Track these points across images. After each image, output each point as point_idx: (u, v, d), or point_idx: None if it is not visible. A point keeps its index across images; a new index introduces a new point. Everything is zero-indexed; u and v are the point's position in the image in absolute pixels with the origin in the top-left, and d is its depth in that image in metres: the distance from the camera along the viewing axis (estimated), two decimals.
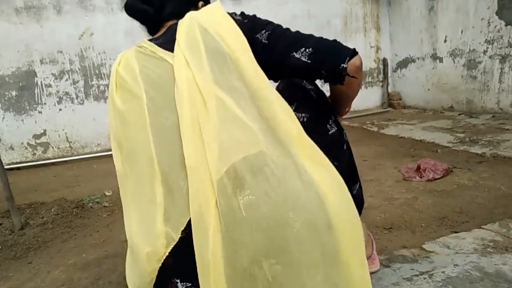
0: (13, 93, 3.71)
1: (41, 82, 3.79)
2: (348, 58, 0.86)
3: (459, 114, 4.08)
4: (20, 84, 3.72)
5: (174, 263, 0.77)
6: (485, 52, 3.81)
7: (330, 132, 0.99)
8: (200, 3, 1.07)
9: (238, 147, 0.76)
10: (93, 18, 3.87)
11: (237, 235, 0.73)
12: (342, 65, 0.85)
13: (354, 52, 0.87)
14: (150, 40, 0.98)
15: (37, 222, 2.12)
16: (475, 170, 2.32)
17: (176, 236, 0.75)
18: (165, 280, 0.77)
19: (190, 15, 0.92)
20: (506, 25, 3.57)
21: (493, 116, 3.72)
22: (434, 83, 4.52)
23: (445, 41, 4.26)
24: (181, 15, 0.96)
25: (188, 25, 0.89)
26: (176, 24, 0.94)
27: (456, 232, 1.54)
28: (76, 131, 3.96)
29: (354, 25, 4.91)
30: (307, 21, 4.51)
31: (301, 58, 0.87)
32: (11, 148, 3.78)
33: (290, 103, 0.87)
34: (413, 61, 4.79)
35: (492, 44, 3.72)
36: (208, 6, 0.95)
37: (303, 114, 0.96)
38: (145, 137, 0.82)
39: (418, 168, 2.31)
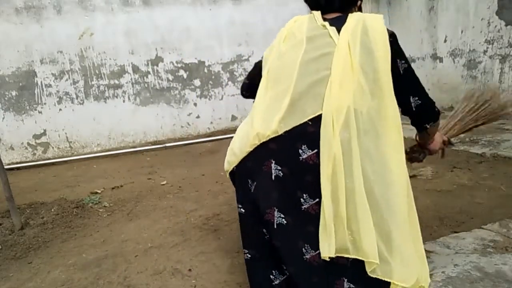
0: (13, 93, 3.71)
1: (41, 82, 3.79)
2: (432, 123, 1.33)
3: None
4: (20, 84, 3.72)
5: (275, 149, 1.15)
6: (485, 52, 3.81)
7: None
8: (359, 2, 1.38)
9: (355, 102, 1.13)
10: (93, 18, 3.86)
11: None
12: (426, 125, 1.33)
13: (438, 119, 1.35)
14: (323, 19, 1.29)
15: (37, 222, 2.12)
16: (475, 170, 2.32)
17: (280, 132, 1.14)
18: (264, 157, 1.16)
19: (360, 15, 1.24)
20: (506, 25, 3.57)
21: None
22: (434, 83, 4.51)
23: (445, 41, 4.26)
24: (344, 10, 1.30)
25: (357, 21, 1.22)
26: (345, 16, 1.26)
27: (456, 232, 1.54)
28: (76, 131, 3.95)
29: None
30: None
31: (412, 103, 1.28)
32: (11, 148, 3.77)
33: None
34: (413, 61, 4.78)
35: (492, 44, 3.72)
36: (375, 15, 1.27)
37: None
38: (292, 69, 1.20)
39: None
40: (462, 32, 4.03)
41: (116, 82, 4.03)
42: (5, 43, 3.62)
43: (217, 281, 1.40)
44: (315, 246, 1.09)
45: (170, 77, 4.21)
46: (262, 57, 1.39)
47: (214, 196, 2.34)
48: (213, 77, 4.36)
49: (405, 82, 1.26)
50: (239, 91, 1.73)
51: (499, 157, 2.51)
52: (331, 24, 1.24)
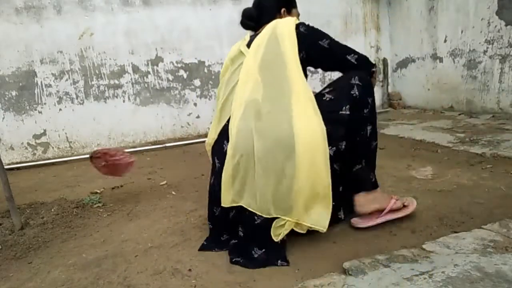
0: (13, 93, 3.71)
1: (41, 82, 3.79)
2: (374, 67, 1.64)
3: (459, 114, 4.08)
4: (20, 84, 3.72)
5: (215, 148, 1.64)
6: (485, 52, 3.81)
7: (340, 112, 1.50)
8: (282, 10, 1.71)
9: (252, 94, 1.49)
10: (93, 18, 3.87)
11: (246, 136, 1.45)
12: (373, 69, 1.63)
13: (375, 65, 1.65)
14: (251, 35, 1.70)
15: (37, 222, 2.12)
16: (475, 170, 2.32)
17: (216, 136, 1.63)
18: (213, 156, 1.64)
19: (273, 22, 1.57)
20: (506, 25, 3.57)
21: (493, 116, 3.72)
22: (434, 83, 4.52)
23: (445, 41, 4.26)
24: (271, 21, 1.61)
25: (268, 28, 1.56)
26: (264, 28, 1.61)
27: (456, 232, 1.54)
28: (76, 131, 3.96)
29: (354, 25, 4.91)
30: (307, 21, 4.49)
31: (351, 60, 1.57)
32: (11, 148, 3.78)
33: (329, 87, 1.58)
34: (413, 61, 4.79)
35: (492, 44, 3.72)
36: (287, 18, 1.60)
37: (329, 95, 1.54)
38: (222, 85, 1.69)
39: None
40: (462, 32, 4.03)
41: (116, 82, 4.03)
42: (5, 43, 3.62)
43: (217, 281, 1.40)
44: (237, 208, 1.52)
45: (170, 77, 4.21)
46: None
47: None
48: (213, 77, 4.36)
49: (335, 50, 1.56)
50: None
51: (499, 157, 2.51)
52: (249, 41, 1.62)
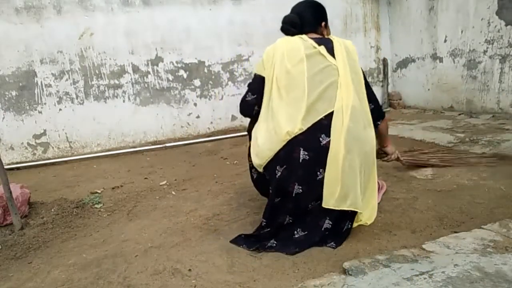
0: (13, 93, 3.71)
1: (41, 82, 3.79)
2: (381, 120, 1.87)
3: (459, 114, 4.08)
4: (20, 84, 3.72)
5: (302, 139, 1.59)
6: (485, 52, 3.81)
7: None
8: (323, 23, 1.86)
9: (353, 101, 1.63)
10: (93, 18, 3.86)
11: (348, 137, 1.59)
12: (377, 122, 1.82)
13: (384, 116, 1.90)
14: (310, 38, 1.76)
15: (37, 222, 2.12)
16: (475, 170, 2.32)
17: (304, 128, 1.59)
18: (295, 147, 1.59)
19: (339, 39, 1.78)
20: (506, 25, 3.56)
21: (493, 116, 3.72)
22: (434, 83, 4.52)
23: (445, 41, 4.26)
24: (314, 30, 1.82)
25: (340, 43, 1.75)
26: (327, 39, 1.79)
27: (456, 232, 1.54)
28: (76, 131, 3.95)
29: (354, 25, 4.91)
30: None
31: (371, 106, 1.75)
32: (11, 148, 3.77)
33: None
34: (413, 61, 4.79)
35: (492, 44, 3.72)
36: (349, 42, 1.81)
37: None
38: (301, 81, 1.65)
39: None
40: (462, 32, 4.03)
41: (116, 82, 4.03)
42: (5, 43, 3.62)
43: (217, 281, 1.40)
44: (319, 201, 1.59)
45: (170, 77, 4.21)
46: (255, 74, 1.82)
47: (214, 196, 2.34)
48: (213, 77, 4.36)
49: (367, 89, 1.76)
50: (239, 91, 1.84)
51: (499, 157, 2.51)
52: (318, 44, 1.72)
